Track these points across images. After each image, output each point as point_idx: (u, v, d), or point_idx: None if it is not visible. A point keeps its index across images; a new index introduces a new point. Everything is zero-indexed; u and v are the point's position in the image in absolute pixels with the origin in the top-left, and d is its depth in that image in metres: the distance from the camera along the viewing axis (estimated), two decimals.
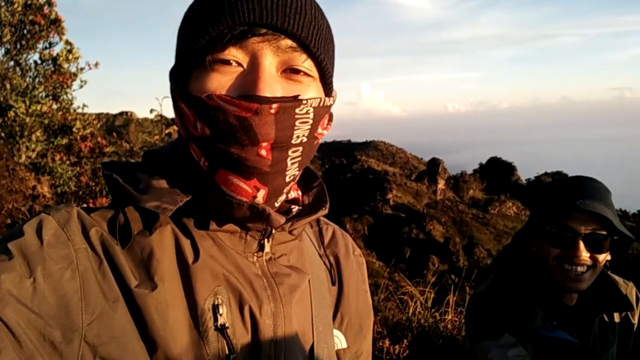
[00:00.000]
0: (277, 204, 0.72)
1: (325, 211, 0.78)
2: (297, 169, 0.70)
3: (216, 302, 0.66)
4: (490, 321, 1.44)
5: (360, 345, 0.88)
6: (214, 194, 0.68)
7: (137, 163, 0.75)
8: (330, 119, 0.74)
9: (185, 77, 0.67)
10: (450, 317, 3.35)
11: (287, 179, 0.69)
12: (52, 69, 5.72)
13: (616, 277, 1.52)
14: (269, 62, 0.64)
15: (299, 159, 0.69)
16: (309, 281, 0.78)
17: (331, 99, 0.71)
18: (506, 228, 60.36)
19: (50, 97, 5.73)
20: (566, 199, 1.40)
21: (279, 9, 0.63)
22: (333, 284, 0.86)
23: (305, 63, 0.67)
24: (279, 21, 0.63)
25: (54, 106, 5.69)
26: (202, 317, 0.65)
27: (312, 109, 0.66)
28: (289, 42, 0.65)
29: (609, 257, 1.43)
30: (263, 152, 0.64)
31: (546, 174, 71.25)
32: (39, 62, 5.84)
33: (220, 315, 0.66)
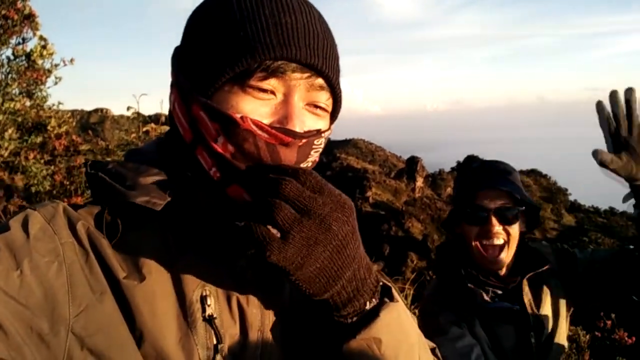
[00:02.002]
0: None
1: None
2: None
3: (204, 294, 0.67)
4: (437, 319, 1.55)
5: None
6: (219, 199, 0.70)
7: (122, 162, 0.76)
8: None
9: (208, 83, 0.68)
10: None
11: None
12: (26, 65, 5.54)
13: (536, 245, 1.69)
14: (299, 96, 0.69)
15: None
16: None
17: (331, 130, 0.77)
18: None
19: (24, 94, 5.55)
20: (475, 180, 1.58)
21: (319, 49, 0.68)
22: None
23: (327, 101, 0.73)
24: (319, 63, 0.68)
25: (28, 103, 5.51)
26: (190, 308, 0.66)
27: (324, 140, 0.73)
28: (321, 82, 0.70)
29: (523, 229, 1.60)
30: None
31: (521, 172, 72.63)
32: (12, 58, 5.65)
33: (208, 306, 0.67)
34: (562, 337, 1.62)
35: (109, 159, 4.74)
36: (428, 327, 1.57)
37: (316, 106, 0.72)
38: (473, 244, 1.58)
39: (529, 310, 1.55)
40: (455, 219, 1.68)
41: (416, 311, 3.55)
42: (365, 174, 72.61)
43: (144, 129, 4.75)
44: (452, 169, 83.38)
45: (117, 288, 0.63)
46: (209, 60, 0.68)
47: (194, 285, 0.67)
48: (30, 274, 0.59)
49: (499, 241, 1.54)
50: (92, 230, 0.67)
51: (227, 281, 0.70)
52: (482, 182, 1.55)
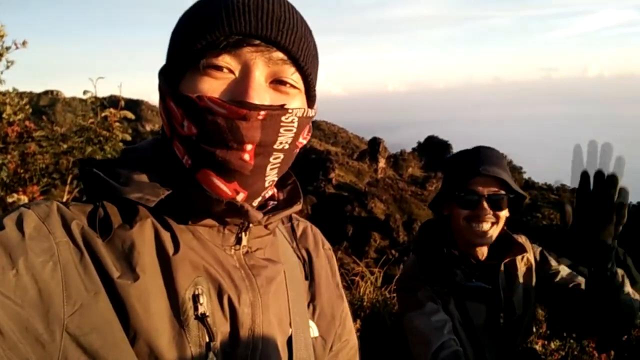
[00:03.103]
0: (254, 204, 0.75)
1: (299, 206, 0.82)
2: (275, 174, 0.74)
3: (196, 292, 0.68)
4: (414, 293, 1.64)
5: (342, 333, 0.92)
6: (195, 190, 0.70)
7: (116, 159, 0.77)
8: (310, 130, 0.78)
9: (176, 77, 0.70)
10: None
11: (266, 184, 0.73)
12: None
13: (511, 233, 1.78)
14: (260, 72, 0.68)
15: (279, 165, 0.72)
16: (284, 273, 0.81)
17: (313, 110, 0.75)
18: None
19: None
20: (470, 166, 1.64)
21: (273, 22, 0.67)
22: (306, 277, 0.89)
23: (293, 76, 0.71)
24: (272, 34, 0.67)
25: None
26: (183, 306, 0.67)
27: (296, 118, 0.70)
28: (280, 55, 0.69)
29: (507, 214, 1.67)
30: (246, 157, 0.67)
31: None
32: None
33: (201, 304, 0.67)
34: (529, 321, 1.72)
35: (65, 146, 4.56)
36: (405, 301, 1.67)
37: (283, 83, 0.71)
38: (462, 225, 1.65)
39: (502, 293, 1.64)
40: (444, 201, 1.75)
41: (386, 293, 3.66)
42: (329, 156, 72.85)
43: (104, 114, 4.57)
44: (413, 149, 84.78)
45: (112, 287, 0.63)
46: (174, 55, 0.72)
47: (186, 284, 0.68)
48: (25, 273, 0.58)
49: (487, 225, 1.62)
50: (87, 229, 0.67)
51: (219, 279, 0.71)
52: (476, 168, 1.61)
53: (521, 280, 1.70)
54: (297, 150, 0.76)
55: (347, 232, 55.08)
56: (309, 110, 0.73)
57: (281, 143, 0.70)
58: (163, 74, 0.74)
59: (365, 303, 3.28)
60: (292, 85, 0.71)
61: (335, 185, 67.81)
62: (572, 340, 3.06)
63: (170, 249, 0.69)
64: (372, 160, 77.49)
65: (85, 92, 4.59)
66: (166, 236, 0.70)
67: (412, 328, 1.59)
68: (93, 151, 4.41)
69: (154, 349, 0.63)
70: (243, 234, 0.77)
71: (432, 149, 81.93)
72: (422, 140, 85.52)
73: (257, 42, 0.67)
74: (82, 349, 0.59)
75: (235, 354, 0.70)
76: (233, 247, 0.76)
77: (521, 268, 1.72)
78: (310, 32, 0.74)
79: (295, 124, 0.70)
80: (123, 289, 0.63)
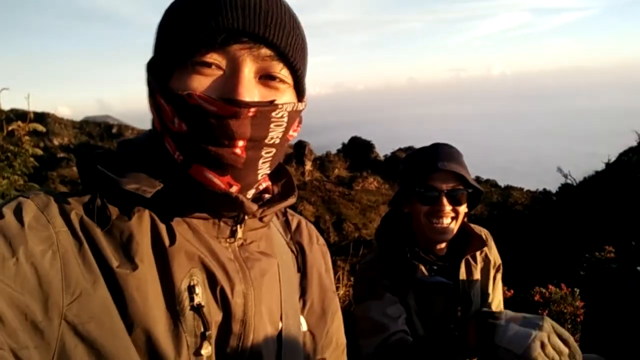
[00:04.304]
0: (249, 196, 0.76)
1: (293, 199, 0.83)
2: (267, 168, 0.75)
3: (192, 283, 0.69)
4: (374, 284, 1.66)
5: (329, 331, 0.92)
6: (188, 184, 0.71)
7: (113, 152, 0.78)
8: (300, 122, 0.79)
9: (166, 73, 0.70)
10: (342, 292, 3.53)
11: (259, 177, 0.74)
12: None
13: (472, 225, 1.83)
14: (249, 68, 0.69)
15: (270, 159, 0.74)
16: (277, 267, 0.82)
17: (302, 104, 0.76)
18: (369, 202, 64.82)
19: None
20: (429, 162, 1.66)
21: (261, 18, 0.68)
22: (299, 270, 0.89)
23: (281, 71, 0.72)
24: (260, 30, 0.67)
25: None
26: (179, 297, 0.68)
27: (286, 113, 0.71)
28: (268, 51, 0.69)
29: (466, 210, 1.72)
30: (238, 151, 0.68)
31: (400, 149, 77.81)
32: None
33: (196, 295, 0.69)
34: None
35: None
36: (363, 291, 1.69)
37: (272, 79, 0.71)
38: (422, 221, 1.67)
39: (461, 287, 1.69)
40: (404, 198, 1.76)
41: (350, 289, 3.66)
42: None
43: (10, 128, 4.17)
44: (338, 150, 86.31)
45: (111, 276, 0.64)
46: (162, 51, 0.72)
47: (182, 275, 0.69)
48: (25, 262, 0.59)
49: (447, 220, 1.65)
50: (85, 219, 0.67)
51: (214, 270, 0.72)
52: (435, 164, 1.63)
53: (479, 274, 1.76)
54: (289, 142, 0.77)
55: None
56: (299, 104, 0.74)
57: (272, 138, 0.71)
58: (151, 68, 0.74)
59: None
60: (281, 80, 0.72)
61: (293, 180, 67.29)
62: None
63: (166, 240, 0.70)
64: (298, 164, 77.85)
65: None
66: (162, 227, 0.71)
67: (366, 317, 1.60)
68: (1, 168, 4.02)
69: (150, 337, 0.64)
70: (238, 226, 0.78)
71: (356, 150, 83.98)
72: (346, 141, 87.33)
73: (245, 39, 0.67)
74: (79, 337, 0.60)
75: (227, 344, 0.71)
76: (228, 240, 0.77)
77: (480, 262, 1.77)
78: (298, 24, 0.74)
79: (285, 119, 0.71)
80: (122, 278, 0.64)
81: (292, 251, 0.91)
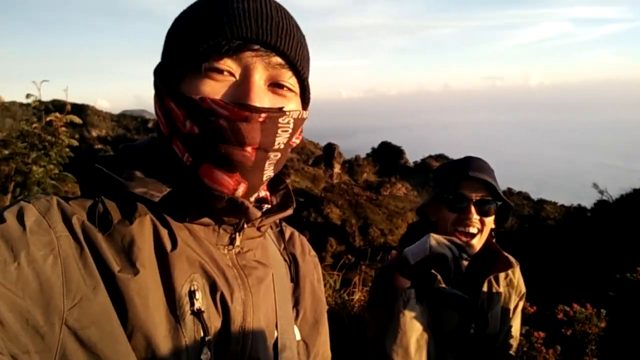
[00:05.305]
0: (252, 199, 0.79)
1: (291, 210, 0.85)
2: (272, 170, 0.77)
3: (192, 288, 0.70)
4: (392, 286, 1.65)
5: (317, 342, 0.93)
6: (195, 186, 0.72)
7: (117, 156, 0.78)
8: (301, 131, 0.82)
9: (176, 78, 0.72)
10: (357, 297, 3.53)
11: (264, 178, 0.76)
12: None
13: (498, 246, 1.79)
14: (259, 75, 0.71)
15: (275, 163, 0.76)
16: (272, 275, 0.84)
17: (307, 112, 0.79)
18: (397, 208, 64.23)
19: None
20: (460, 170, 1.68)
21: (272, 28, 0.71)
22: (292, 280, 0.91)
23: (290, 79, 0.75)
24: (272, 40, 0.70)
25: None
26: (180, 302, 0.68)
27: (292, 120, 0.74)
28: (279, 60, 0.72)
29: (493, 225, 1.70)
30: (247, 153, 0.70)
31: (431, 156, 76.95)
32: None
33: (197, 300, 0.69)
34: (505, 339, 1.74)
35: (7, 151, 4.30)
36: (378, 295, 1.67)
37: (280, 87, 0.74)
38: (449, 230, 1.67)
39: (479, 305, 1.66)
40: (433, 206, 1.76)
41: (345, 295, 3.70)
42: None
43: (48, 119, 4.34)
44: (368, 154, 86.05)
45: (112, 281, 0.64)
46: (174, 57, 0.74)
47: (182, 280, 0.69)
48: (27, 266, 0.59)
49: (473, 230, 1.64)
50: (87, 224, 0.67)
51: (214, 276, 0.73)
52: (466, 172, 1.65)
53: (501, 298, 1.72)
54: (291, 148, 0.80)
55: None
56: (304, 112, 0.77)
57: (279, 143, 0.73)
58: (159, 73, 0.76)
59: None
60: (289, 89, 0.75)
61: (291, 191, 67.62)
62: (521, 337, 3.20)
63: (168, 244, 0.71)
64: (327, 166, 77.94)
65: (28, 96, 4.36)
66: (164, 232, 0.72)
67: (377, 322, 1.59)
68: (37, 157, 4.20)
69: (151, 342, 0.64)
70: (237, 234, 0.79)
71: (386, 155, 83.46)
72: (376, 146, 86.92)
73: (257, 47, 0.70)
74: (80, 342, 0.60)
75: (226, 349, 0.72)
76: (226, 247, 0.78)
77: (502, 286, 1.74)
78: (304, 37, 0.78)
79: (291, 125, 0.74)
80: (123, 283, 0.64)
81: (286, 261, 0.92)
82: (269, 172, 0.76)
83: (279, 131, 0.72)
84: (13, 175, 4.24)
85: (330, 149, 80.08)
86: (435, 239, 1.51)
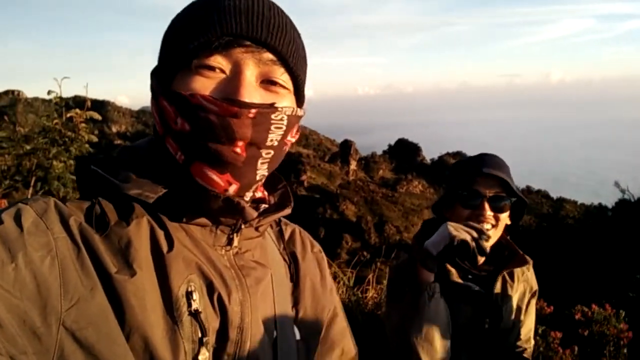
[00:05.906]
0: (247, 199, 0.77)
1: (289, 210, 0.84)
2: (266, 169, 0.75)
3: (189, 289, 0.69)
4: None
5: (325, 335, 0.93)
6: (190, 185, 0.72)
7: (114, 157, 0.78)
8: (298, 130, 0.81)
9: (169, 77, 0.72)
10: (371, 294, 3.53)
11: (257, 177, 0.75)
12: None
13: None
14: (250, 72, 0.71)
15: (269, 161, 0.74)
16: (271, 276, 0.83)
17: (302, 110, 0.78)
18: (413, 205, 63.92)
19: None
20: (474, 167, 1.68)
21: (263, 24, 0.70)
22: (292, 279, 0.90)
23: (282, 76, 0.73)
24: (263, 35, 0.70)
25: None
26: (177, 303, 0.68)
27: (286, 117, 0.72)
28: (270, 56, 0.71)
29: (508, 222, 1.69)
30: (238, 150, 0.69)
31: (448, 154, 76.24)
32: None
33: (194, 301, 0.69)
34: (518, 335, 1.73)
35: (28, 147, 4.40)
36: (397, 290, 1.67)
37: (273, 83, 0.73)
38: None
39: (494, 299, 1.65)
40: (447, 203, 1.76)
41: (359, 293, 3.71)
42: (300, 158, 72.77)
43: (68, 115, 4.43)
44: (384, 151, 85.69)
45: (109, 283, 0.64)
46: (167, 56, 0.74)
47: (179, 281, 0.69)
48: (24, 267, 0.59)
49: (487, 226, 1.62)
50: (84, 225, 0.67)
51: (211, 277, 0.73)
52: (480, 168, 1.64)
53: (515, 293, 1.72)
54: (287, 147, 0.79)
55: (319, 234, 55.07)
56: (298, 109, 0.76)
57: (272, 140, 0.72)
58: (155, 74, 0.76)
59: None
60: (281, 85, 0.74)
61: (307, 187, 67.81)
62: (537, 337, 3.16)
63: (164, 246, 0.70)
64: (343, 163, 77.87)
65: (49, 92, 4.45)
66: (161, 234, 0.71)
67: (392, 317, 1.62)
68: (58, 152, 4.28)
69: (148, 343, 0.64)
70: (234, 234, 0.78)
71: (402, 152, 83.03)
72: (392, 143, 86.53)
73: (248, 43, 0.69)
74: (77, 343, 0.60)
75: (224, 350, 0.72)
76: (224, 248, 0.78)
77: (517, 282, 1.73)
78: (299, 35, 0.77)
79: (285, 122, 0.73)
80: (120, 284, 0.64)
81: (285, 261, 0.92)
82: (262, 171, 0.75)
83: (272, 128, 0.71)
84: (34, 169, 4.34)
85: (346, 145, 79.95)
86: (452, 226, 1.50)
